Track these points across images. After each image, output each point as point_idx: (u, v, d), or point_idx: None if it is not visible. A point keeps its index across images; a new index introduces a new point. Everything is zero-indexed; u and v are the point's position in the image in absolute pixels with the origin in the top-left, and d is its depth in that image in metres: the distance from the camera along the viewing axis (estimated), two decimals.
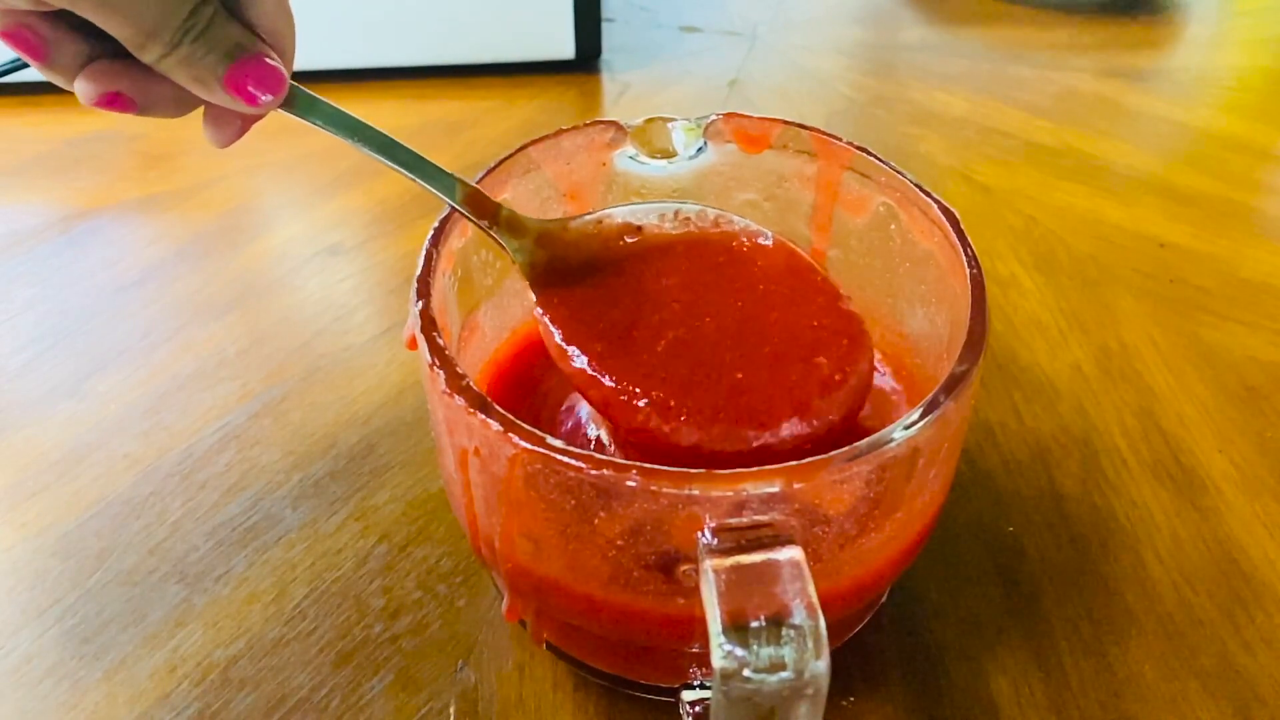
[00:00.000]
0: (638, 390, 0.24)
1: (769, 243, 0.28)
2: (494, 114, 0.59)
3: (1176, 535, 0.32)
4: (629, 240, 0.28)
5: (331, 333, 0.41)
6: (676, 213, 0.29)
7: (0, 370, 0.40)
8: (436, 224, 0.27)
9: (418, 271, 0.25)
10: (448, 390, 0.22)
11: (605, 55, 0.65)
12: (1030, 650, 0.29)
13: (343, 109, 0.25)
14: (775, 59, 0.66)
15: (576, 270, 0.27)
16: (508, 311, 0.32)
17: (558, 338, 0.26)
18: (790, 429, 0.24)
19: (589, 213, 0.28)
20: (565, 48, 0.62)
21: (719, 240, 0.28)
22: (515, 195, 0.30)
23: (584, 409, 0.30)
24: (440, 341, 0.23)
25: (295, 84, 0.24)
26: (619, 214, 0.28)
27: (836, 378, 0.25)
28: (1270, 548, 0.32)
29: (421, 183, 0.25)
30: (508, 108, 0.60)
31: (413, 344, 0.25)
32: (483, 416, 0.21)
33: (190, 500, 0.34)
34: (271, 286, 0.44)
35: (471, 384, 0.22)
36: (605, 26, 0.63)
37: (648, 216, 0.29)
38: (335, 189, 0.52)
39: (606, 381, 0.24)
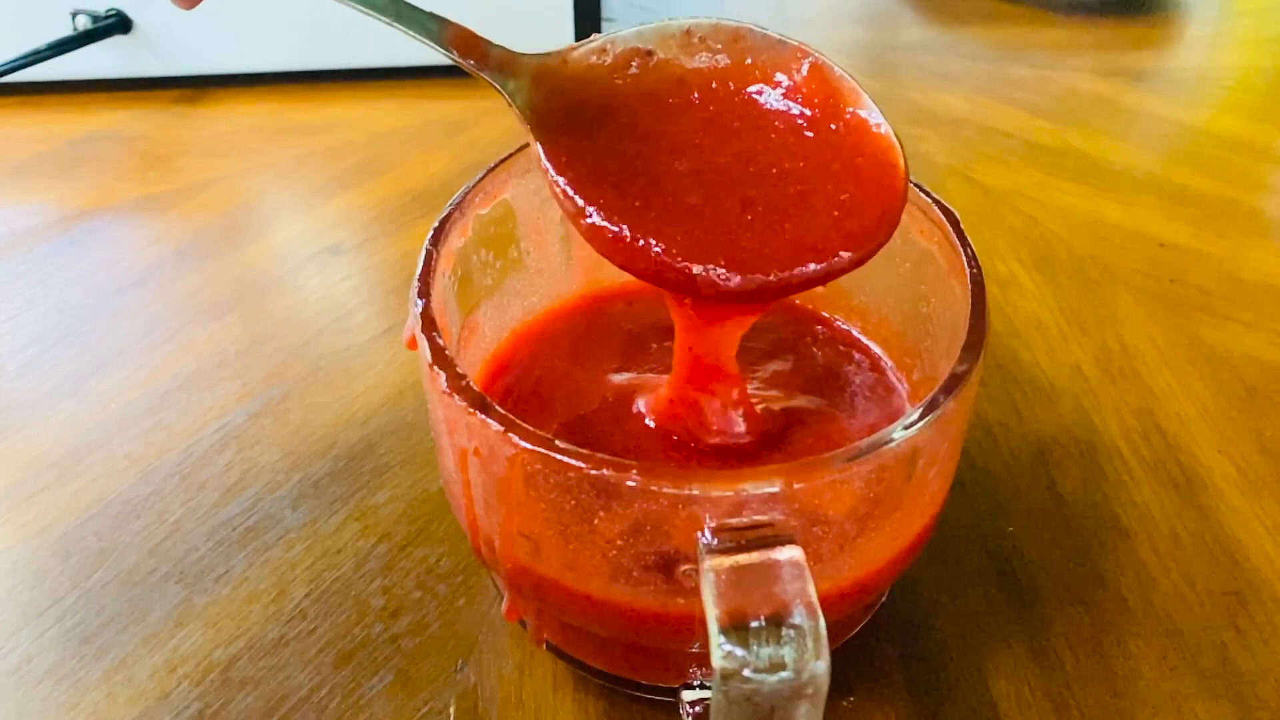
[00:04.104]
0: (652, 237, 0.23)
1: (792, 60, 0.25)
2: (494, 114, 0.59)
3: (1176, 535, 0.32)
4: (638, 70, 0.25)
5: (331, 333, 0.41)
6: (689, 31, 0.26)
7: (0, 370, 0.40)
8: (436, 224, 0.27)
9: (418, 271, 0.25)
10: (448, 390, 0.22)
11: None
12: (1030, 650, 0.29)
13: None
14: None
15: (581, 110, 0.25)
16: (508, 311, 0.32)
17: (564, 186, 0.24)
18: (812, 269, 0.23)
19: (590, 40, 0.26)
20: None
21: (736, 67, 0.26)
22: (515, 195, 0.30)
23: (584, 408, 0.30)
24: (440, 341, 0.23)
25: None
26: (623, 39, 0.25)
27: (864, 213, 0.24)
28: (1270, 548, 0.32)
29: (399, 27, 0.24)
30: (508, 108, 0.60)
31: (413, 344, 0.25)
32: (482, 416, 0.21)
33: (190, 500, 0.34)
34: (271, 286, 0.44)
35: (471, 384, 0.22)
36: (605, 26, 0.63)
37: (654, 38, 0.26)
38: (335, 189, 0.52)
39: (621, 230, 0.23)
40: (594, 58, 0.25)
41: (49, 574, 0.31)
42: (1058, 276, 0.45)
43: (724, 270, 0.23)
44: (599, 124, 0.25)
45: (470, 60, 0.24)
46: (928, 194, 0.28)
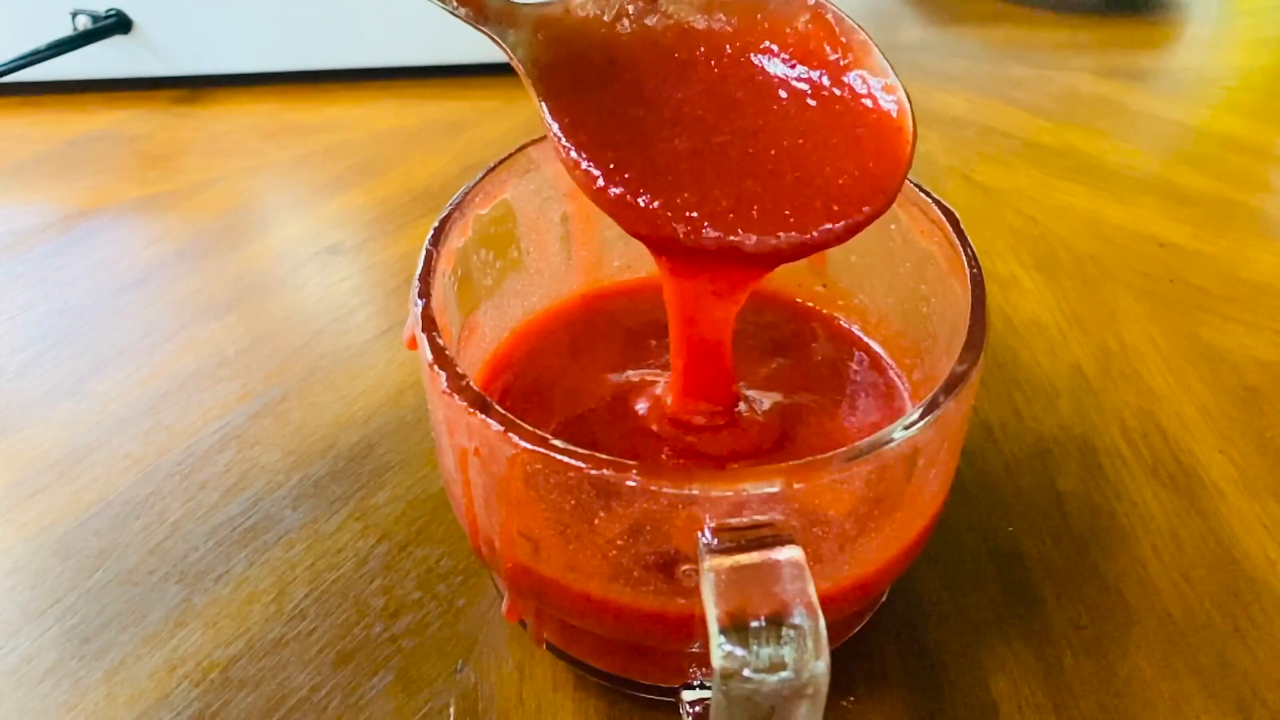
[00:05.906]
0: (654, 197, 0.23)
1: (800, 11, 0.25)
2: (494, 114, 0.59)
3: (1176, 535, 0.32)
4: (642, 20, 0.25)
5: (331, 333, 0.41)
6: None
7: (0, 370, 0.40)
8: (436, 224, 0.27)
9: (418, 271, 0.25)
10: (448, 390, 0.22)
11: None
12: (1030, 650, 0.29)
13: None
14: None
15: (584, 65, 0.24)
16: (508, 311, 0.32)
17: (569, 149, 0.24)
18: (815, 228, 0.23)
19: None
20: None
21: (742, 19, 0.25)
22: (515, 195, 0.30)
23: (584, 408, 0.30)
24: (440, 341, 0.23)
25: None
26: None
27: (866, 177, 0.23)
28: (1270, 548, 0.32)
29: None
30: (508, 108, 0.60)
31: (413, 344, 0.25)
32: (483, 416, 0.21)
33: (190, 500, 0.34)
34: (271, 286, 0.44)
35: (471, 384, 0.22)
36: None
37: None
38: (335, 189, 0.52)
39: (622, 193, 0.23)
40: (596, 7, 0.25)
41: (49, 574, 0.31)
42: (1058, 276, 0.45)
43: (719, 229, 0.23)
44: (603, 81, 0.24)
45: (468, 10, 0.24)
46: (928, 194, 0.28)
